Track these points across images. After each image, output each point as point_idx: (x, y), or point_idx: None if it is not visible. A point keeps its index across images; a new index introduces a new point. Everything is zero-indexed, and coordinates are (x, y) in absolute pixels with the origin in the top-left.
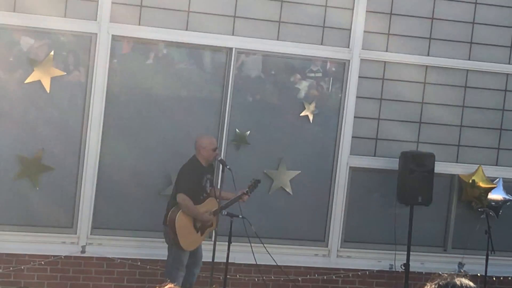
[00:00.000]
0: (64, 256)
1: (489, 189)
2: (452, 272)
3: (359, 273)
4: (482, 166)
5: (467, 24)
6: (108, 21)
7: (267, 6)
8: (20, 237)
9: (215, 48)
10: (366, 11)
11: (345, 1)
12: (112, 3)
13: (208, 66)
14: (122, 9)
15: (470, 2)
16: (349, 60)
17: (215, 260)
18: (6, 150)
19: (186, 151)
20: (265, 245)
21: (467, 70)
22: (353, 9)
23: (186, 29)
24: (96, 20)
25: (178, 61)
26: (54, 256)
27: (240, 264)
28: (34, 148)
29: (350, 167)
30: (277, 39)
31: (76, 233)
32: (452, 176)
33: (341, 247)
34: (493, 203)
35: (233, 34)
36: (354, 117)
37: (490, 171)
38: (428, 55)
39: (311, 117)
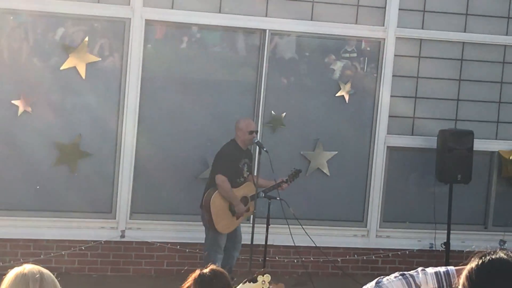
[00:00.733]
0: (104, 241)
1: None
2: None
3: (399, 252)
4: None
5: None
6: (142, 5)
7: None
8: (60, 223)
9: (249, 30)
10: None
11: None
12: None
13: (242, 49)
14: None
15: None
16: (384, 39)
17: (254, 243)
18: (44, 137)
19: (221, 135)
20: (303, 226)
21: (505, 45)
22: None
23: (219, 12)
24: (129, 5)
25: (212, 44)
26: (94, 241)
27: (278, 246)
28: (72, 134)
29: (387, 147)
30: (311, 20)
31: (115, 218)
32: (492, 153)
33: (380, 227)
34: None
35: (266, 16)
36: (391, 96)
37: None
38: (464, 31)
39: (347, 97)
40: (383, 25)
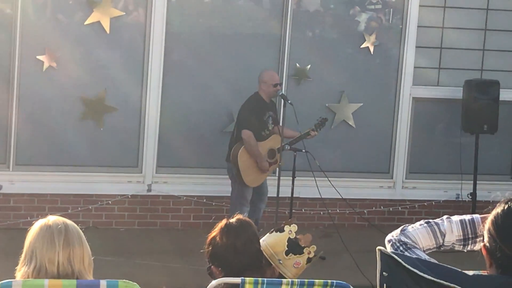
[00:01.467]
0: (131, 195)
1: None
2: None
3: (425, 203)
4: None
5: None
6: None
7: None
8: (87, 177)
9: None
10: None
11: None
12: None
13: (266, 1)
14: None
15: None
16: None
17: (280, 195)
18: (69, 92)
19: (246, 88)
20: (329, 178)
21: None
22: None
23: None
24: None
25: None
26: (120, 195)
27: (305, 199)
28: (97, 89)
29: (413, 98)
30: None
31: (141, 172)
32: None
33: (406, 179)
34: None
35: None
36: (416, 47)
37: None
38: None
39: (372, 49)
40: None
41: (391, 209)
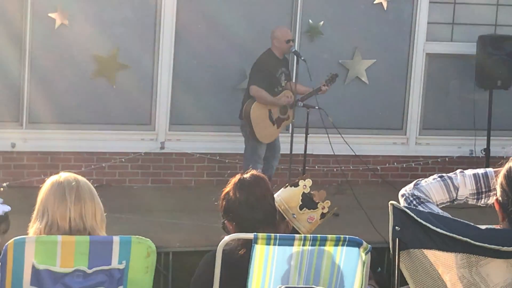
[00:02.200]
0: (144, 153)
1: None
2: None
3: (439, 159)
4: None
5: None
6: None
7: None
8: (100, 135)
9: None
10: None
11: None
12: None
13: None
14: None
15: None
16: None
17: (293, 152)
18: (82, 49)
19: (259, 45)
20: (342, 135)
21: None
22: None
23: None
24: None
25: None
26: (134, 153)
27: (318, 155)
28: (110, 47)
29: (426, 54)
30: None
31: (154, 130)
32: None
33: (419, 135)
34: None
35: None
36: (429, 2)
37: None
38: None
39: (385, 4)
40: None
41: (404, 166)
